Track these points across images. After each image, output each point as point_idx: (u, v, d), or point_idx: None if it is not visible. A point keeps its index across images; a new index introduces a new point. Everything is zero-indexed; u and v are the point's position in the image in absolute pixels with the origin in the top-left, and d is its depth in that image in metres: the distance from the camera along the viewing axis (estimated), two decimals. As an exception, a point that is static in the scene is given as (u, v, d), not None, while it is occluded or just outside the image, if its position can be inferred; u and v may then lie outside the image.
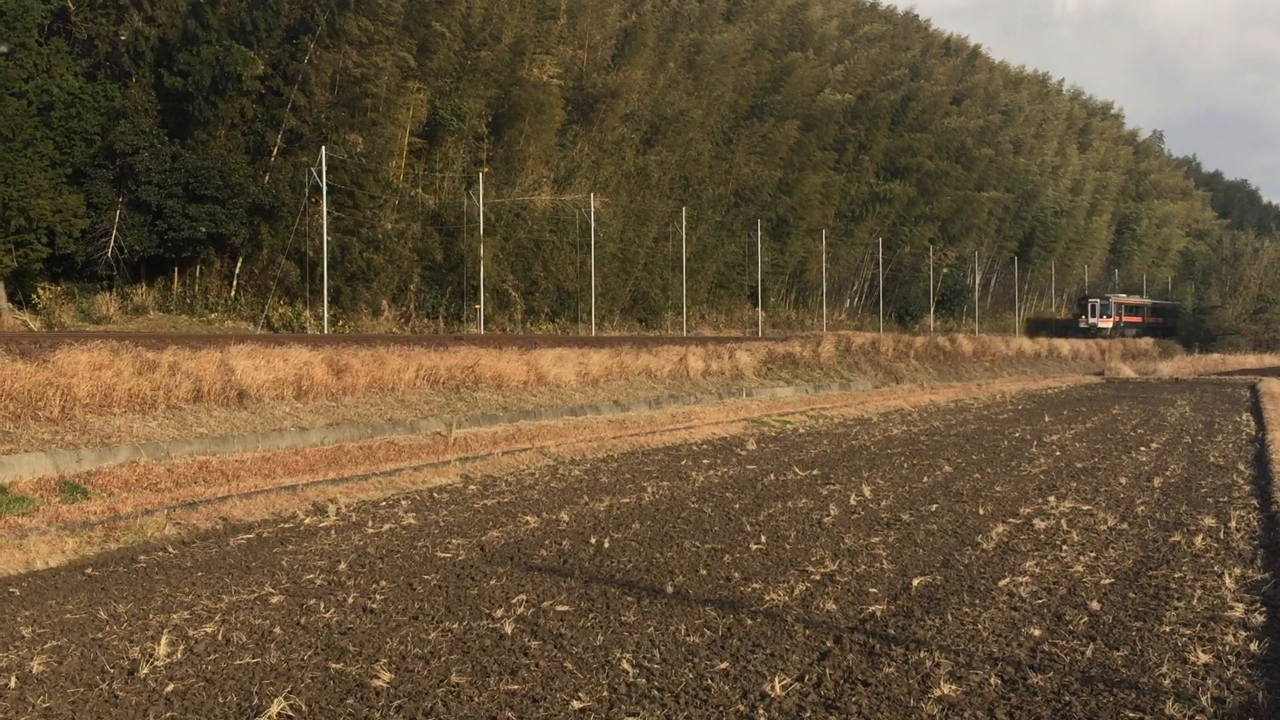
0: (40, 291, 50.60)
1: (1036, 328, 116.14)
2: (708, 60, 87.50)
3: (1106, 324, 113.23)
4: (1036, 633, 12.05)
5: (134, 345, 26.85)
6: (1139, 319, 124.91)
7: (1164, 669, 10.90)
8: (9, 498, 18.68)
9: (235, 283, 58.73)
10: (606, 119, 77.99)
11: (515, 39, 70.35)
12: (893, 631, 12.14)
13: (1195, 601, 13.47)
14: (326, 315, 55.52)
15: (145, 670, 10.75)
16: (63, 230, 48.11)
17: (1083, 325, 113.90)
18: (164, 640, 11.52)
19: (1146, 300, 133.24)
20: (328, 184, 55.08)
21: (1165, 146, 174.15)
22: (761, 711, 9.74)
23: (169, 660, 11.06)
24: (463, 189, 65.97)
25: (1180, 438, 35.01)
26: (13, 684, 10.47)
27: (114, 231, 51.26)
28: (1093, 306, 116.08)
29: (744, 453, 29.49)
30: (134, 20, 55.44)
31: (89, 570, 15.40)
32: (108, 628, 12.26)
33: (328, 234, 55.79)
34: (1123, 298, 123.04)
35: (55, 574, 15.30)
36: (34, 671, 10.78)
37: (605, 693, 10.25)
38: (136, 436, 23.08)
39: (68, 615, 12.87)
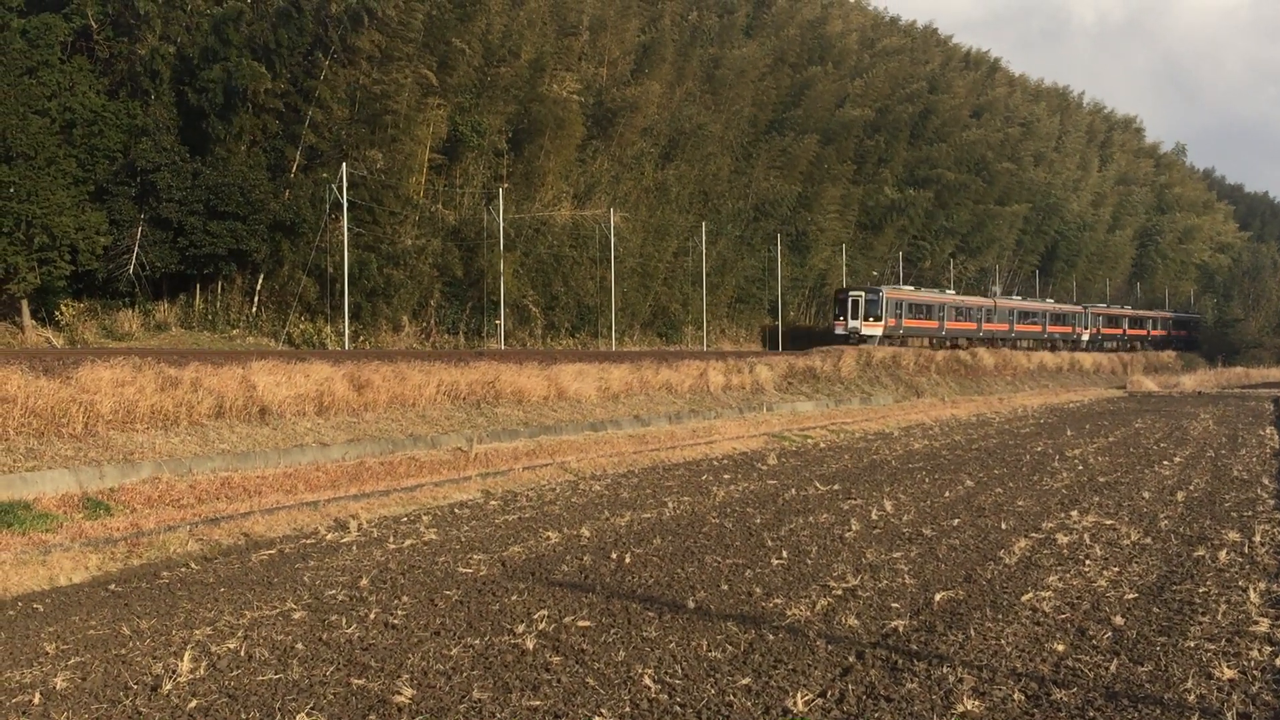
0: (63, 308, 50.84)
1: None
2: (727, 75, 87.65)
3: (874, 329, 75.75)
4: (1060, 648, 12.00)
5: (156, 362, 26.96)
6: (1038, 328, 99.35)
7: (1189, 684, 10.84)
8: (33, 514, 18.75)
9: (256, 299, 58.93)
10: (626, 134, 78.15)
11: (535, 55, 70.60)
12: (915, 647, 12.10)
13: (1220, 616, 13.39)
14: (347, 331, 55.67)
15: (168, 687, 10.77)
16: (85, 247, 48.36)
17: (839, 331, 76.31)
18: (187, 656, 11.55)
19: (1049, 306, 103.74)
20: (348, 200, 55.26)
21: (1188, 159, 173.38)
22: (784, 727, 9.72)
23: (192, 677, 11.08)
24: (483, 204, 66.12)
25: (1203, 452, 34.84)
26: (37, 700, 10.51)
27: (136, 248, 51.51)
28: (853, 305, 76.60)
29: (765, 467, 29.44)
30: (152, 38, 55.76)
31: (112, 586, 15.44)
32: (131, 644, 12.29)
33: (348, 250, 55.94)
34: (924, 294, 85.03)
35: (79, 590, 15.35)
36: (58, 688, 10.81)
37: (627, 709, 10.24)
38: (159, 453, 23.16)
39: (91, 631, 12.91)
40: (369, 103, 59.75)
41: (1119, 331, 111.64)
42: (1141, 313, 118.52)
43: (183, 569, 16.48)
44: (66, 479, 20.53)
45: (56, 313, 50.56)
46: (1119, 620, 13.15)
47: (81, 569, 16.27)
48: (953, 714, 10.02)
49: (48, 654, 11.97)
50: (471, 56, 65.32)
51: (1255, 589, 14.63)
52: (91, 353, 29.75)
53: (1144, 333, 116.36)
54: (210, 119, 54.47)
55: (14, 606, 14.38)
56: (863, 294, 76.70)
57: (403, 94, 60.40)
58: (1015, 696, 10.47)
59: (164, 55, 55.20)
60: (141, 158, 51.48)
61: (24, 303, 48.51)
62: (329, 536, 18.88)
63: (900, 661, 11.55)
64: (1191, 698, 10.48)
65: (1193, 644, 12.24)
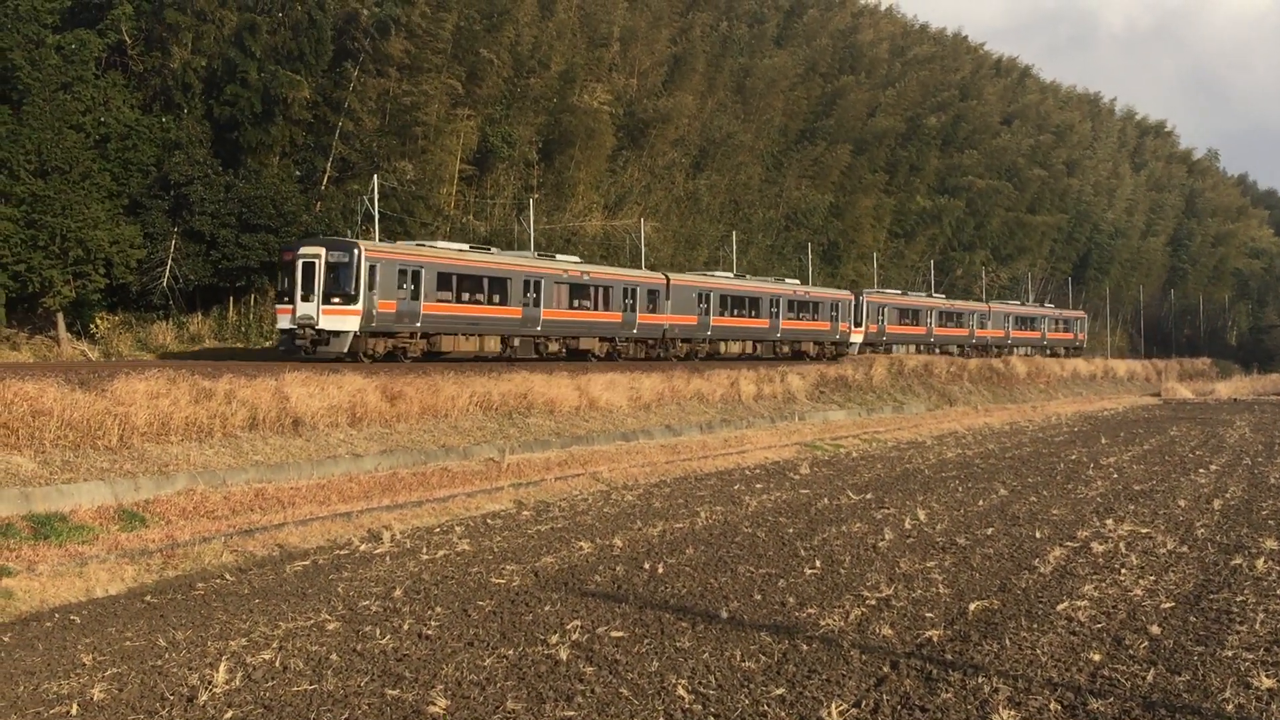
0: (98, 321, 51.14)
1: None
2: (757, 85, 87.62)
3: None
4: (1096, 657, 11.93)
5: (190, 374, 27.10)
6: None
7: (1227, 694, 10.76)
8: (69, 526, 18.87)
9: (289, 311, 58.89)
10: (657, 144, 78.19)
11: (565, 66, 70.72)
12: (950, 657, 12.05)
13: (1258, 625, 13.29)
14: (379, 342, 55.65)
15: (204, 697, 10.83)
16: (120, 260, 48.63)
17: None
18: (222, 667, 11.60)
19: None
20: (379, 212, 55.43)
21: (1221, 165, 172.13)
22: (818, 738, 9.70)
23: (227, 687, 11.13)
24: (513, 215, 66.22)
25: (1240, 459, 34.59)
26: (74, 711, 10.57)
27: (169, 261, 51.78)
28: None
29: (797, 477, 29.39)
30: (184, 52, 56.11)
31: (148, 597, 15.53)
32: (167, 655, 12.36)
33: (380, 262, 55.91)
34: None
35: (115, 601, 15.44)
36: (95, 699, 10.88)
37: (661, 719, 10.23)
38: (193, 464, 23.27)
39: (127, 642, 12.98)
40: (399, 114, 59.95)
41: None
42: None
43: (218, 580, 16.56)
44: (102, 491, 20.65)
45: (91, 326, 50.88)
46: (1156, 629, 13.06)
47: (118, 580, 16.37)
48: (988, 724, 9.98)
49: (85, 665, 12.05)
50: (501, 67, 65.47)
51: (1293, 598, 14.52)
52: (126, 365, 29.92)
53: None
54: (244, 129, 54.74)
55: (51, 618, 14.48)
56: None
57: (432, 105, 60.57)
58: (1051, 706, 10.42)
59: (195, 69, 55.51)
60: (175, 171, 51.78)
61: (59, 316, 48.81)
62: (362, 547, 18.94)
63: (935, 671, 11.51)
64: (1230, 707, 10.41)
65: (1230, 653, 12.15)
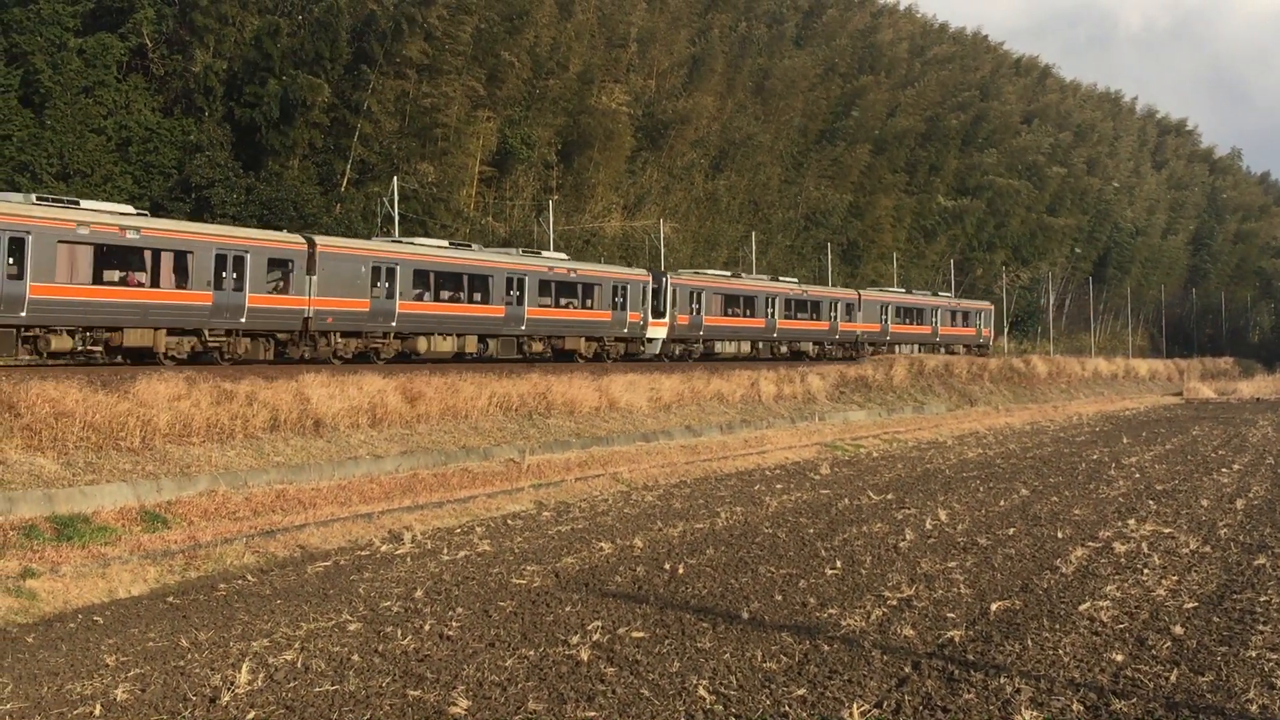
0: (120, 324, 51.38)
1: None
2: (777, 85, 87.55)
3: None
4: (1119, 658, 11.89)
5: (211, 375, 27.19)
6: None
7: (1251, 694, 10.71)
8: (92, 527, 18.95)
9: (309, 312, 59.05)
10: (676, 145, 78.21)
11: (584, 67, 70.79)
12: (972, 657, 12.03)
13: (1282, 626, 13.23)
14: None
15: (226, 698, 10.86)
16: (141, 263, 48.87)
17: None
18: (245, 668, 11.64)
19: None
20: (399, 213, 55.55)
21: (1244, 164, 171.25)
22: (840, 738, 9.68)
23: (250, 688, 11.16)
24: (533, 216, 66.34)
25: (1263, 459, 34.43)
26: (98, 711, 10.61)
27: (191, 264, 51.99)
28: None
29: (817, 477, 29.35)
30: (205, 55, 56.33)
31: (170, 598, 15.59)
32: (189, 655, 12.40)
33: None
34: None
35: (138, 602, 15.50)
36: (118, 699, 10.92)
37: (682, 719, 10.23)
38: (215, 466, 23.34)
39: (150, 643, 13.03)
40: (418, 116, 60.07)
41: None
42: None
43: (239, 581, 16.61)
44: (125, 492, 20.72)
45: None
46: (1179, 630, 13.01)
47: (140, 581, 16.43)
48: (1011, 725, 9.95)
49: (108, 666, 12.10)
50: (520, 69, 65.57)
51: (1318, 598, 14.45)
52: (148, 367, 30.03)
53: None
54: (265, 132, 54.93)
55: (74, 619, 14.54)
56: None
57: (452, 106, 60.69)
58: (1074, 707, 10.39)
59: (217, 71, 55.73)
60: (196, 173, 51.99)
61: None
62: (383, 548, 18.98)
63: (957, 672, 11.49)
64: (1254, 708, 10.36)
65: (1254, 653, 12.10)
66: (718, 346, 56.46)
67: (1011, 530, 20.31)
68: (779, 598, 14.85)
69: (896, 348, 70.17)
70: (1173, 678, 11.22)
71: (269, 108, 54.54)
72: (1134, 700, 10.57)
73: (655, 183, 76.57)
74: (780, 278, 64.57)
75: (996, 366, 72.06)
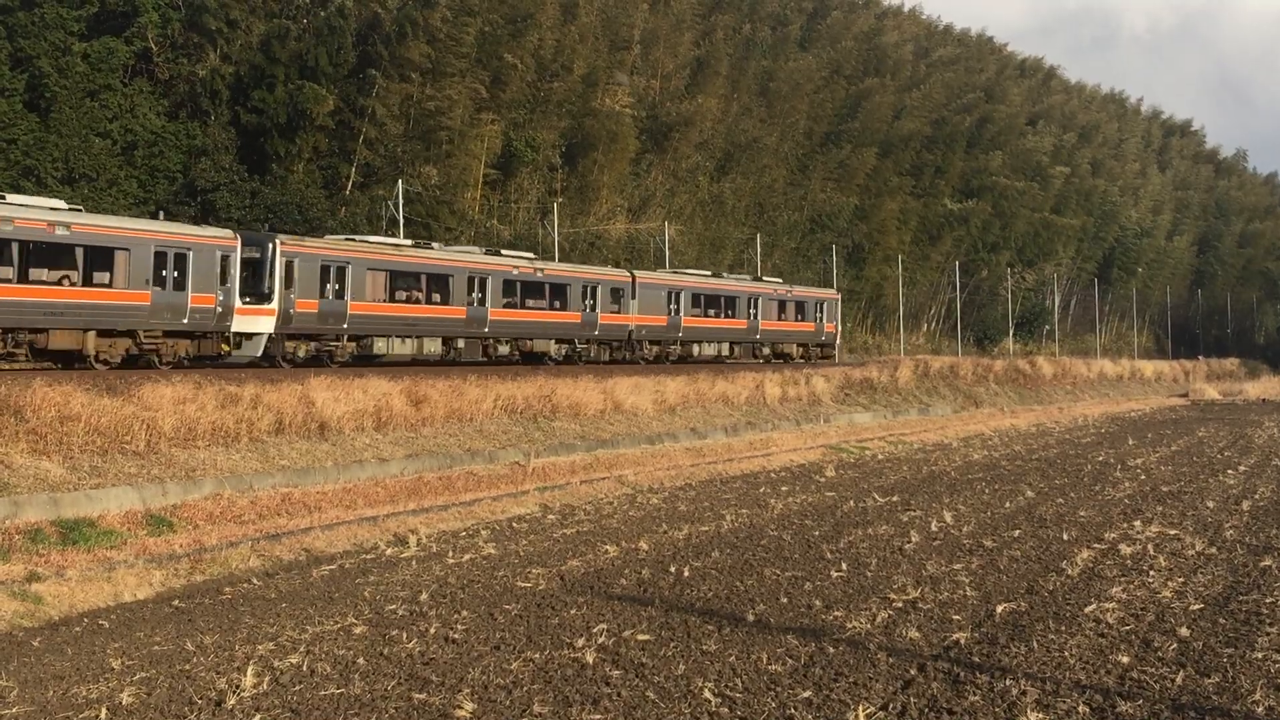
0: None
1: None
2: (781, 88, 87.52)
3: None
4: (1125, 660, 11.87)
5: (216, 379, 27.21)
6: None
7: (1257, 696, 10.69)
8: (97, 531, 18.97)
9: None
10: (680, 147, 78.19)
11: (588, 70, 70.81)
12: (977, 659, 12.01)
13: (1288, 627, 13.21)
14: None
15: (232, 701, 10.86)
16: (146, 267, 48.94)
17: None
18: (250, 671, 11.64)
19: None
20: (404, 217, 55.59)
21: (1250, 165, 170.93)
22: (846, 741, 9.67)
23: (255, 691, 11.16)
24: (537, 219, 66.36)
25: (1269, 460, 34.39)
26: (103, 715, 10.62)
27: (196, 268, 52.04)
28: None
29: (823, 479, 29.33)
30: (212, 59, 56.39)
31: (176, 602, 15.60)
32: (195, 659, 12.41)
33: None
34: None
35: (143, 606, 15.51)
36: (124, 703, 10.92)
37: (688, 722, 10.23)
38: (220, 469, 23.37)
39: (156, 647, 13.04)
40: (423, 119, 60.12)
41: None
42: None
43: (245, 584, 16.62)
44: (130, 496, 20.75)
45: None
46: (1184, 631, 13.00)
47: (146, 585, 16.45)
48: (1016, 727, 9.94)
49: (114, 669, 12.10)
50: (524, 72, 65.60)
51: (1324, 599, 14.43)
52: (154, 371, 30.05)
53: None
54: (271, 138, 55.00)
55: (80, 622, 14.55)
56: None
57: (456, 110, 60.71)
58: (1080, 709, 10.37)
59: (223, 76, 55.79)
60: (201, 177, 52.03)
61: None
62: (388, 551, 18.98)
63: (962, 674, 11.47)
64: (1260, 710, 10.35)
65: (1260, 655, 12.08)
66: (696, 349, 54.28)
67: (1017, 532, 20.29)
68: (784, 600, 14.84)
69: (695, 347, 54.41)
70: (1179, 680, 11.20)
71: (275, 114, 54.59)
72: (1140, 702, 10.56)
73: (660, 185, 76.58)
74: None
75: (1002, 368, 72.05)
